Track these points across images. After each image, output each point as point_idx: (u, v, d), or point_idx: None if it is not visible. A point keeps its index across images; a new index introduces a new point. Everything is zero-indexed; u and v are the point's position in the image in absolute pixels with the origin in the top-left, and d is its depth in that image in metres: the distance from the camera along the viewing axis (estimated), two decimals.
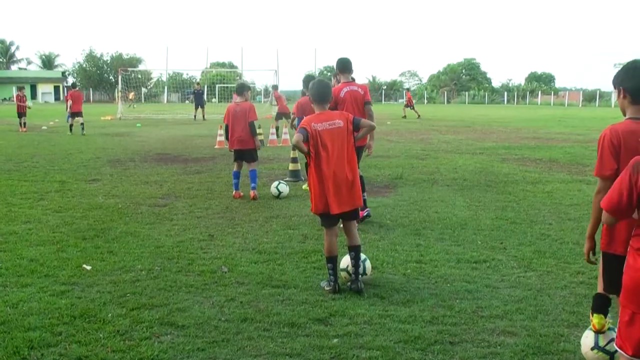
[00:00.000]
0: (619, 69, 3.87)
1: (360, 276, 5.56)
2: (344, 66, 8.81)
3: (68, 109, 25.45)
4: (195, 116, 37.16)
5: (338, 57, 9.06)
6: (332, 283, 5.49)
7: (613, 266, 3.56)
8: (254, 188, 10.20)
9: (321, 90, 5.77)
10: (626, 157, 3.42)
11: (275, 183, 10.53)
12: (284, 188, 10.36)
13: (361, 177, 8.31)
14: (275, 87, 26.39)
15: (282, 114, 21.72)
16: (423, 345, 4.35)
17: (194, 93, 39.52)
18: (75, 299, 5.21)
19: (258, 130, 11.34)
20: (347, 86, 8.58)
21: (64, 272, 5.95)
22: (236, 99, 10.82)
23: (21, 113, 26.06)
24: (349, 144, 5.60)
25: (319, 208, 5.54)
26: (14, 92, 29.72)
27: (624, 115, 3.80)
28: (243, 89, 10.78)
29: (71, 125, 24.87)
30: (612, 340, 3.66)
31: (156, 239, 7.30)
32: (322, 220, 5.66)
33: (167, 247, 6.96)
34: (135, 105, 45.38)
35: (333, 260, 5.54)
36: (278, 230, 7.82)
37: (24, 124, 25.96)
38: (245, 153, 10.33)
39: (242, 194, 10.31)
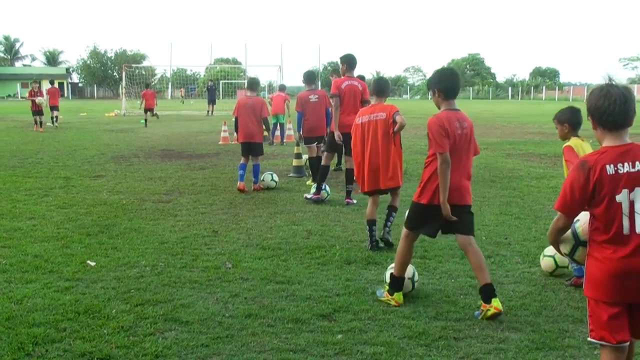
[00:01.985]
0: (432, 74, 5.26)
1: (389, 229, 6.88)
2: (352, 62, 9.30)
3: (46, 104, 25.21)
4: (208, 112, 37.37)
5: (346, 53, 9.45)
6: (370, 241, 6.79)
7: (419, 212, 5.07)
8: (255, 182, 10.57)
9: (381, 86, 7.06)
10: (452, 136, 4.88)
11: (269, 176, 10.78)
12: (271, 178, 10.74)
13: (327, 166, 8.69)
14: (282, 88, 25.66)
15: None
16: (427, 341, 4.35)
17: (208, 89, 39.72)
18: (80, 295, 5.22)
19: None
20: (348, 80, 9.18)
21: (68, 268, 5.96)
22: (247, 93, 10.98)
23: (37, 110, 23.82)
24: (386, 133, 6.55)
25: (360, 186, 6.91)
26: (18, 88, 28.27)
27: (439, 109, 5.08)
28: (255, 84, 11.18)
29: (52, 118, 25.71)
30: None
31: (160, 235, 7.30)
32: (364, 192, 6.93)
33: (171, 243, 6.96)
34: (184, 102, 45.44)
35: (370, 223, 6.82)
36: (282, 226, 7.82)
37: (41, 123, 23.74)
38: (253, 147, 10.57)
39: (246, 188, 10.43)
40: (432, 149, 4.95)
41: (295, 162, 12.52)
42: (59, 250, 6.59)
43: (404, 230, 5.17)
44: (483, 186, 10.78)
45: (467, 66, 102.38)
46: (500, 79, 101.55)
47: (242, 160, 10.69)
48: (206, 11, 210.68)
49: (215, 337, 4.39)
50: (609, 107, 3.09)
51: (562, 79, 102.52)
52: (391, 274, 5.20)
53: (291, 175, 12.31)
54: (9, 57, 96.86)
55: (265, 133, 11.61)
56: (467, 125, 5.02)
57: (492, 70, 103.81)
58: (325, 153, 9.80)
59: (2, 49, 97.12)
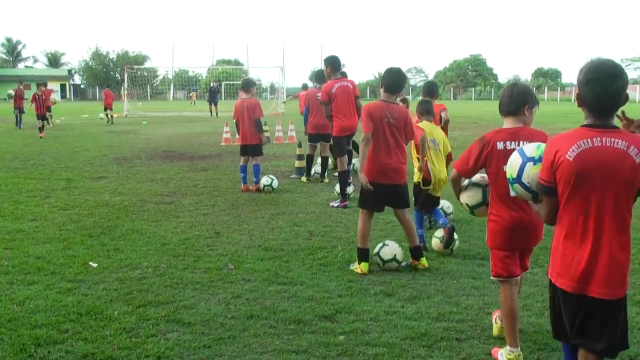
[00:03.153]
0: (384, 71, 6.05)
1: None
2: (337, 63, 9.62)
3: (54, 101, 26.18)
4: (212, 113, 37.39)
5: (330, 55, 9.81)
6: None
7: (364, 191, 5.94)
8: (256, 182, 10.61)
9: (431, 87, 8.13)
10: (375, 121, 5.86)
11: (269, 179, 10.74)
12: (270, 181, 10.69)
13: (347, 171, 8.81)
14: (305, 87, 25.10)
15: None
16: (429, 342, 4.34)
17: (210, 90, 39.76)
18: (82, 297, 5.22)
19: (264, 127, 11.56)
20: (338, 82, 9.44)
21: (70, 270, 5.96)
22: (242, 95, 10.99)
23: (41, 115, 22.57)
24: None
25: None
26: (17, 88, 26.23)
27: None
28: (249, 85, 11.11)
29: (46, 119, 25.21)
30: None
31: (162, 237, 7.30)
32: None
33: (173, 244, 6.96)
34: (194, 103, 45.59)
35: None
36: (284, 227, 7.82)
37: (42, 127, 22.28)
38: (250, 148, 10.67)
39: (250, 187, 10.59)
40: (363, 130, 5.93)
41: (297, 164, 12.52)
42: (61, 252, 6.59)
43: (360, 210, 6.11)
44: None
45: (469, 67, 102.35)
46: (502, 79, 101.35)
47: (241, 162, 10.84)
48: (208, 12, 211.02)
49: (217, 339, 4.39)
50: (504, 99, 4.09)
51: (564, 79, 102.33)
52: (358, 247, 6.06)
53: (293, 176, 12.31)
54: (11, 58, 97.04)
55: (267, 134, 11.73)
56: (397, 116, 5.91)
57: (494, 71, 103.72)
58: (339, 159, 9.73)
59: (5, 50, 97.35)
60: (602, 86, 2.84)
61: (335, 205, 9.20)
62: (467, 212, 4.37)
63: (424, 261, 6.08)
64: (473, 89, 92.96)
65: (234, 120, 11.05)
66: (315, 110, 11.32)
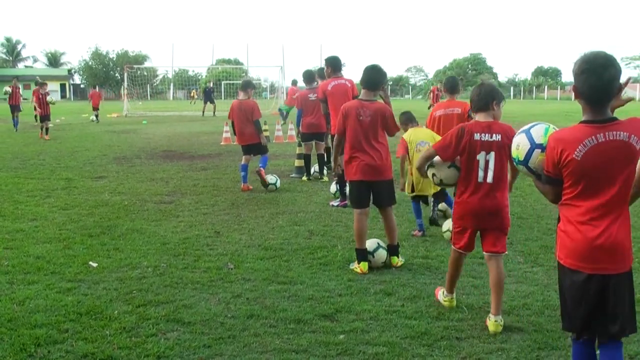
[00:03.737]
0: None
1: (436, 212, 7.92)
2: (337, 64, 9.71)
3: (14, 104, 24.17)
4: (203, 113, 37.30)
5: (331, 55, 9.93)
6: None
7: (351, 189, 6.25)
8: (262, 167, 10.60)
9: (452, 83, 8.32)
10: (349, 119, 6.01)
11: (273, 177, 10.80)
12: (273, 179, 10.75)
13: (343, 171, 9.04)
14: (294, 82, 25.70)
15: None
16: (430, 341, 4.34)
17: (205, 91, 39.76)
18: (82, 296, 5.22)
19: (264, 127, 11.64)
20: (334, 80, 9.51)
21: (70, 270, 5.96)
22: (240, 95, 10.97)
23: (44, 116, 21.25)
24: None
25: None
26: (14, 85, 24.38)
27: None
28: (247, 86, 11.09)
29: (35, 117, 24.31)
30: None
31: (162, 236, 7.30)
32: None
33: (173, 243, 6.96)
34: (195, 103, 45.56)
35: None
36: (284, 227, 7.82)
37: (47, 130, 21.11)
38: (252, 147, 10.72)
39: (250, 187, 10.56)
40: (332, 130, 6.56)
41: (297, 163, 12.52)
42: (61, 252, 6.59)
43: (354, 210, 6.22)
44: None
45: (469, 66, 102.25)
46: (502, 78, 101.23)
47: (242, 161, 10.84)
48: (208, 12, 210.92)
49: (217, 338, 4.39)
50: (474, 98, 4.69)
51: (564, 78, 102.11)
52: (355, 248, 6.10)
53: (293, 175, 12.31)
54: (10, 58, 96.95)
55: (267, 134, 11.78)
56: (369, 113, 5.99)
57: (494, 70, 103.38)
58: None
59: (4, 50, 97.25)
60: (596, 75, 3.01)
61: (335, 204, 9.20)
62: (436, 182, 4.89)
63: (395, 260, 6.14)
64: (473, 88, 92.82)
65: (230, 121, 11.05)
66: (307, 111, 11.44)
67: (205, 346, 4.27)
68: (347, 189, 9.47)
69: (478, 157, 4.54)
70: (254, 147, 10.68)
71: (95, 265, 6.12)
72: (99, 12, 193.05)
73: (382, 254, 6.12)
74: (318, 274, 5.86)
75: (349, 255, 6.41)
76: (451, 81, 8.52)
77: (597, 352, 3.35)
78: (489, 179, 4.54)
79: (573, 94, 3.14)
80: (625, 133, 3.03)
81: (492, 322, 4.52)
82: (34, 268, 6.00)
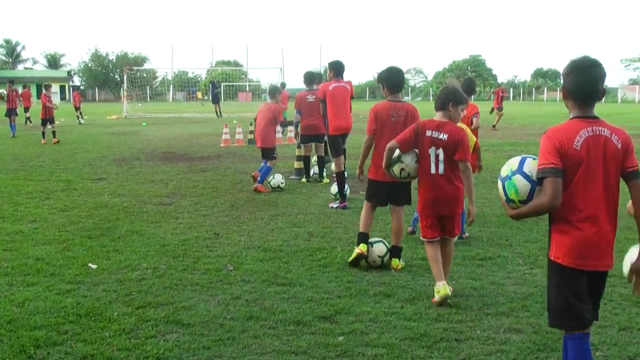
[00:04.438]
0: (382, 70, 6.27)
1: None
2: (340, 68, 9.91)
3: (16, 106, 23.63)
4: (217, 113, 37.31)
5: (334, 60, 10.15)
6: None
7: (369, 185, 6.43)
8: (259, 182, 10.71)
9: (469, 85, 8.21)
10: (381, 122, 6.16)
11: (278, 177, 10.97)
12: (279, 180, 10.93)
13: (343, 172, 8.84)
14: (283, 86, 26.18)
15: None
16: (429, 343, 4.35)
17: (211, 84, 39.85)
18: (81, 298, 5.22)
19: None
20: (335, 82, 9.71)
21: (69, 271, 5.96)
22: (268, 100, 11.69)
23: (46, 119, 19.96)
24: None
25: None
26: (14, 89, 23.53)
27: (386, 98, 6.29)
28: (274, 91, 11.76)
29: (26, 119, 24.73)
30: None
31: (162, 238, 7.31)
32: None
33: (172, 245, 6.96)
34: (204, 104, 45.65)
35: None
36: (283, 228, 7.82)
37: (54, 133, 19.91)
38: (263, 151, 11.11)
39: (265, 189, 10.72)
40: (367, 131, 6.32)
41: (296, 165, 12.53)
42: (60, 253, 6.59)
43: (365, 201, 6.47)
44: (484, 188, 10.79)
45: (469, 67, 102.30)
46: (502, 80, 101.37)
47: (262, 162, 11.24)
48: (207, 14, 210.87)
49: (216, 340, 4.39)
50: (436, 97, 5.33)
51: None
52: (358, 232, 6.35)
53: (292, 177, 12.32)
54: (10, 60, 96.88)
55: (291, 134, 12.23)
56: (402, 113, 6.17)
57: (494, 72, 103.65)
58: (335, 159, 9.76)
59: (4, 52, 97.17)
60: (584, 73, 3.26)
61: (335, 206, 9.21)
62: (404, 175, 5.35)
63: (395, 262, 6.17)
64: None
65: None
66: (306, 113, 11.50)
67: (205, 348, 4.27)
68: (347, 190, 9.52)
69: (429, 151, 5.16)
70: (264, 151, 11.07)
71: (94, 266, 6.12)
72: (98, 13, 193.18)
73: (381, 247, 6.22)
74: (317, 276, 5.86)
75: (349, 257, 6.40)
76: (468, 83, 8.52)
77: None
78: (440, 171, 5.17)
79: (562, 93, 3.39)
80: (607, 130, 3.25)
81: (442, 287, 5.09)
82: (34, 270, 6.00)
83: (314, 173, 11.91)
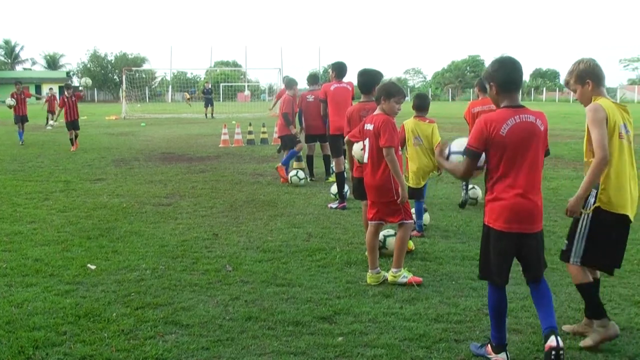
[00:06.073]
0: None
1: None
2: (342, 70, 9.98)
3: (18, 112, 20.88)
4: (206, 115, 37.56)
5: (337, 61, 10.26)
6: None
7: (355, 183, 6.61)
8: (283, 163, 11.76)
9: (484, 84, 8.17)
10: (355, 121, 6.59)
11: (293, 172, 11.50)
12: (300, 176, 11.42)
13: (343, 172, 8.90)
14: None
15: None
16: (428, 343, 4.34)
17: (204, 92, 39.95)
18: (80, 299, 5.22)
19: (262, 129, 11.90)
20: (337, 83, 9.87)
21: (68, 272, 5.96)
22: (287, 92, 12.20)
23: (71, 121, 18.74)
24: None
25: None
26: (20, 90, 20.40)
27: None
28: (291, 83, 12.31)
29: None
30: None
31: (160, 238, 7.30)
32: None
33: (171, 246, 6.96)
34: (191, 104, 45.72)
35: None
36: (282, 229, 7.82)
37: (76, 136, 18.64)
38: (281, 139, 12.39)
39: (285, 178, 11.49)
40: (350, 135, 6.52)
41: (295, 165, 12.54)
42: (59, 254, 6.59)
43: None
44: (482, 188, 10.77)
45: (468, 68, 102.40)
46: None
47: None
48: (206, 14, 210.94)
49: (215, 340, 4.39)
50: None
51: (563, 80, 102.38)
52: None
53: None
54: (9, 61, 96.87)
55: (266, 135, 12.43)
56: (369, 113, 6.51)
57: None
58: (335, 159, 9.78)
59: (3, 52, 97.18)
60: (510, 67, 3.95)
61: (334, 206, 9.21)
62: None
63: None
64: (471, 90, 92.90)
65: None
66: (307, 112, 11.77)
67: (204, 348, 4.26)
68: (347, 190, 9.52)
69: (365, 142, 5.73)
70: (282, 139, 12.24)
71: (93, 267, 6.11)
72: (97, 14, 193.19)
73: (392, 242, 6.22)
74: (316, 276, 5.86)
75: (347, 257, 6.41)
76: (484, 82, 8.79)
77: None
78: (366, 159, 5.73)
79: (491, 89, 4.01)
80: (532, 116, 3.91)
81: (390, 274, 5.61)
82: (32, 270, 5.99)
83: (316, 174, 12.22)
